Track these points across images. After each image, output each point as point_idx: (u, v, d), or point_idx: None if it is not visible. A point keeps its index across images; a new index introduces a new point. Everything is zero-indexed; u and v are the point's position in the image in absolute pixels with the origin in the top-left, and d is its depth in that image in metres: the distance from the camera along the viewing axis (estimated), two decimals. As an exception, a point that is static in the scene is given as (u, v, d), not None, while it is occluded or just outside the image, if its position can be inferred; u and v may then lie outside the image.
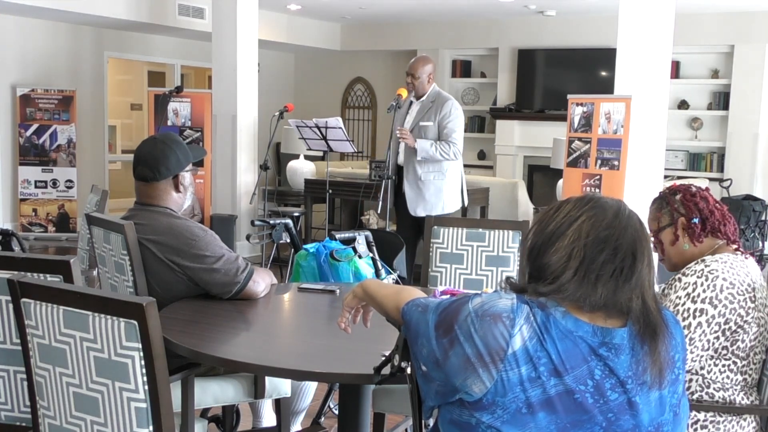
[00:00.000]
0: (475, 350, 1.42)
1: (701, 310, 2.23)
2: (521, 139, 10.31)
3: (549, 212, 1.56)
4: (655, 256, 1.89)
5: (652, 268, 1.52)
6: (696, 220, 2.39)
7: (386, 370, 1.77)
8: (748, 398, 2.31)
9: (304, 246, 3.41)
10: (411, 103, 5.59)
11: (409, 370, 1.62)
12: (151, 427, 1.86)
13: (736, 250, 2.39)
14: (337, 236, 3.14)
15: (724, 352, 2.27)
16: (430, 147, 5.38)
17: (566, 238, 1.48)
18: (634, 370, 1.43)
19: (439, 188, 5.52)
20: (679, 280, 2.31)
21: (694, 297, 2.25)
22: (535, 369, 1.40)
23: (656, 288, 2.52)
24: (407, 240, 4.65)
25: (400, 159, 5.58)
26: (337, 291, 2.93)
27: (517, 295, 1.48)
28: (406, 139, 5.39)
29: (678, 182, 2.64)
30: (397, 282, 3.00)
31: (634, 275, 1.46)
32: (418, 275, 3.71)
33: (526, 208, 7.30)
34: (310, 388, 3.12)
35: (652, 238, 2.50)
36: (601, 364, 1.42)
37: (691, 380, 2.31)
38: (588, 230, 1.48)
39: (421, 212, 5.48)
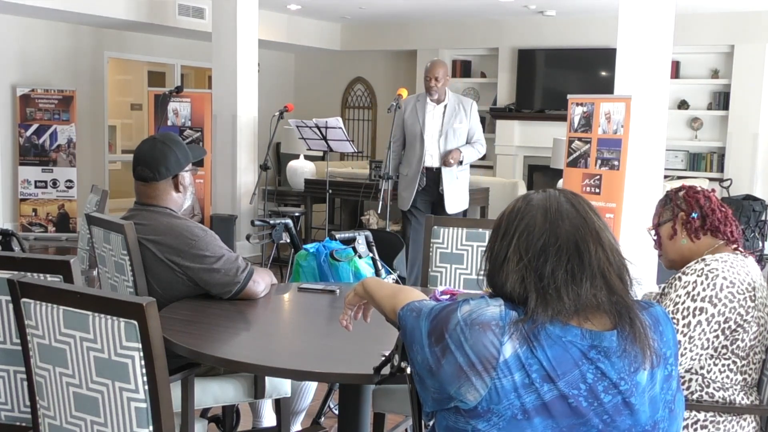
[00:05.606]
0: (467, 359, 1.42)
1: (701, 309, 2.23)
2: (521, 139, 10.31)
3: (492, 235, 1.56)
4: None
5: (607, 241, 1.49)
6: (695, 215, 2.39)
7: (386, 370, 1.77)
8: (748, 398, 2.31)
9: (304, 246, 3.41)
10: (425, 105, 5.65)
11: (409, 370, 1.62)
12: (151, 427, 1.86)
13: (736, 249, 2.40)
14: (337, 236, 3.14)
15: (724, 351, 2.28)
16: (472, 152, 5.68)
17: (510, 261, 1.48)
18: (627, 370, 1.43)
19: (466, 184, 5.85)
20: (679, 279, 2.31)
21: (694, 296, 2.25)
22: (528, 376, 1.39)
23: (656, 288, 2.52)
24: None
25: (432, 162, 5.67)
26: (337, 291, 2.92)
27: (505, 302, 1.47)
28: (455, 160, 5.57)
29: (679, 182, 2.65)
30: (397, 282, 3.00)
31: (586, 266, 1.45)
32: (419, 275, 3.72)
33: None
34: (310, 388, 3.12)
35: (653, 232, 2.51)
36: (593, 368, 1.41)
37: (691, 380, 2.31)
38: (525, 247, 1.47)
39: (460, 207, 5.77)
